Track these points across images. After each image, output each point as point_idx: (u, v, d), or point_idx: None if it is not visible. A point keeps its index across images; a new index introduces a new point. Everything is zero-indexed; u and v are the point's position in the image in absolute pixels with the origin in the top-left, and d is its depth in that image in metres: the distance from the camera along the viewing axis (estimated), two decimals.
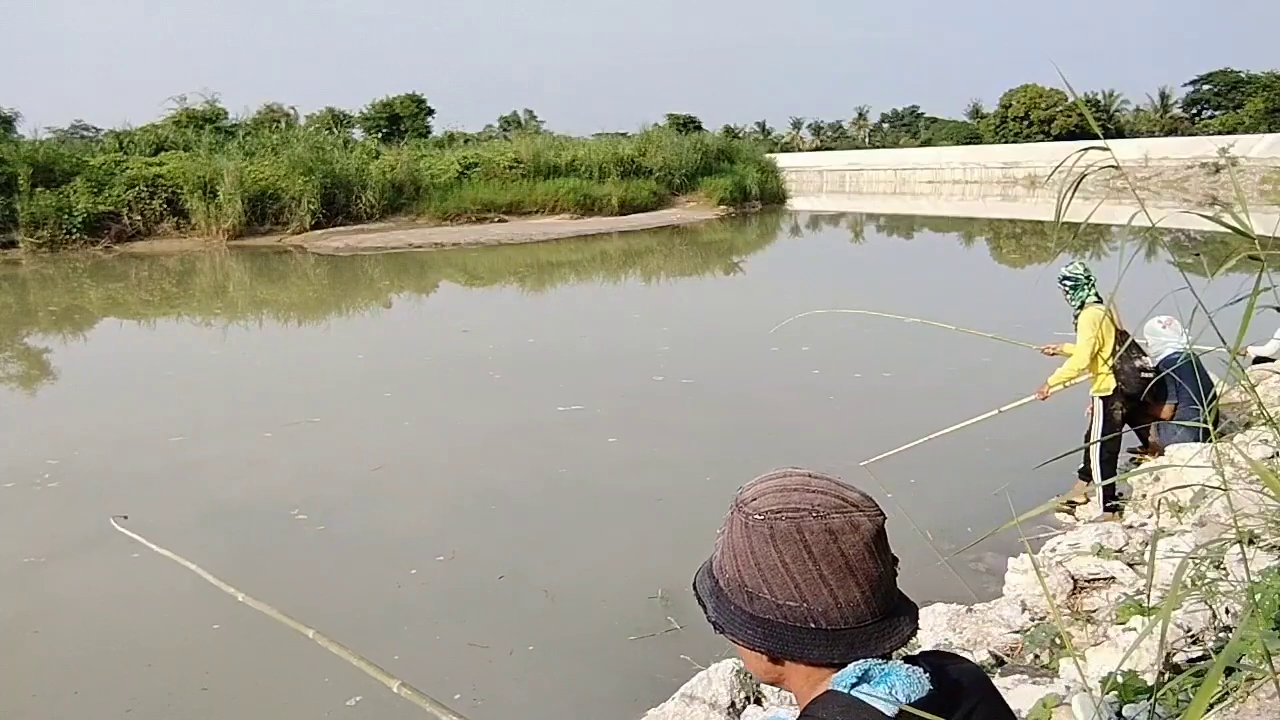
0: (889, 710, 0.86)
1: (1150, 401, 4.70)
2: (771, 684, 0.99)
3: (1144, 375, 4.39)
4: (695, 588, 1.01)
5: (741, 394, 7.33)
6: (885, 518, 0.93)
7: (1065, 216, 1.32)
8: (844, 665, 0.90)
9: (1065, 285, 4.46)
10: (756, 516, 0.92)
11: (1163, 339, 4.93)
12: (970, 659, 1.08)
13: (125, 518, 3.04)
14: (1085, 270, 4.41)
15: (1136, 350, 4.36)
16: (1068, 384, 4.46)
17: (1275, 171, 32.17)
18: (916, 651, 1.02)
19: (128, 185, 20.25)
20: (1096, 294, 4.39)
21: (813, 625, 0.90)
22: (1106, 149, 1.25)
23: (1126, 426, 4.72)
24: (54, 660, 3.59)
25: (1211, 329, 1.34)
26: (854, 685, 0.88)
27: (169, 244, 20.22)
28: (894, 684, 0.88)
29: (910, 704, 0.87)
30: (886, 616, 0.91)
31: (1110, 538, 3.55)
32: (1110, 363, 4.34)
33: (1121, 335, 4.37)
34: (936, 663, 0.96)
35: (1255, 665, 1.79)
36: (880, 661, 0.90)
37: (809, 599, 0.89)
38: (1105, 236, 19.06)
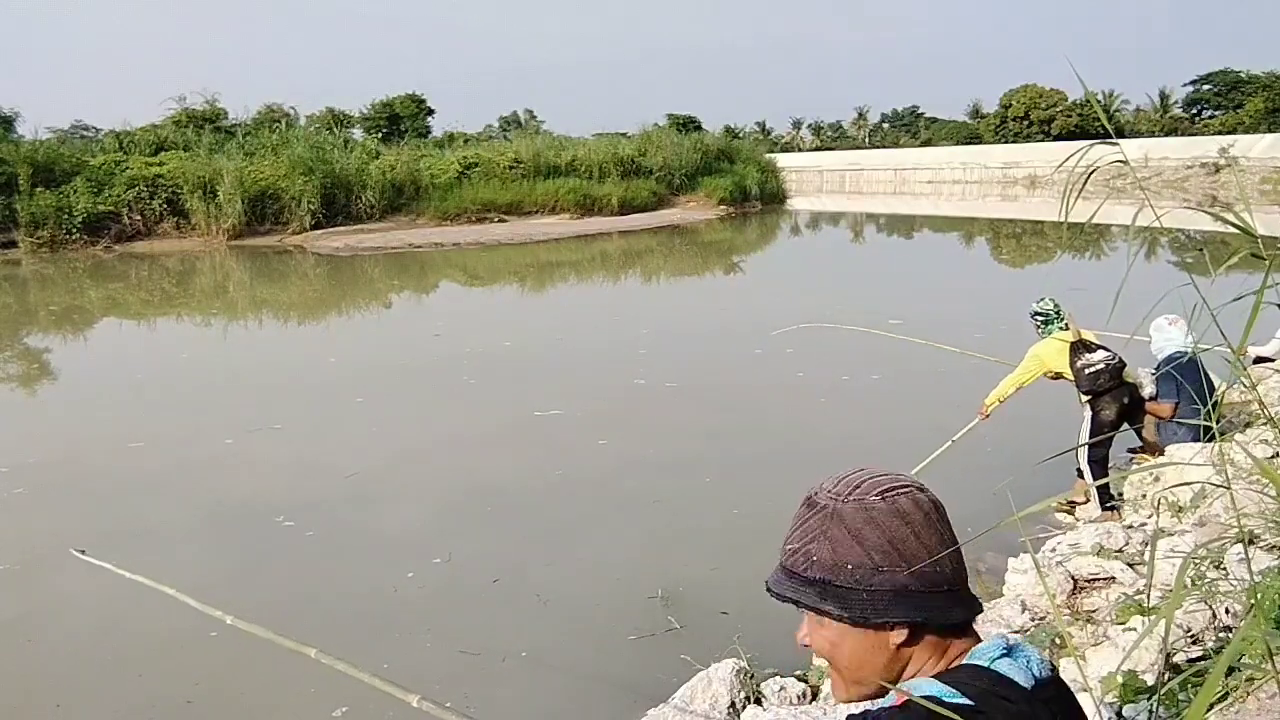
0: (1025, 683, 0.90)
1: (1149, 401, 4.71)
2: (887, 681, 0.98)
3: (1089, 371, 4.45)
4: (770, 588, 1.01)
5: (732, 396, 7.31)
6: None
7: (1068, 216, 1.32)
8: (947, 630, 0.94)
9: (1037, 320, 4.73)
10: (850, 503, 0.96)
11: (1167, 336, 4.91)
12: None
13: (83, 551, 3.05)
14: (1055, 305, 4.68)
15: (1082, 349, 4.45)
16: (1002, 400, 4.71)
17: (1275, 171, 32.18)
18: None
19: (128, 185, 20.27)
20: (1063, 325, 4.61)
21: (918, 588, 0.93)
22: (1116, 144, 1.25)
23: (1125, 425, 4.72)
24: (40, 672, 3.55)
25: (1214, 327, 1.33)
26: (997, 659, 0.91)
27: (169, 244, 20.23)
28: (1030, 659, 0.92)
29: (1039, 681, 0.91)
30: (965, 583, 0.96)
31: (1110, 538, 3.54)
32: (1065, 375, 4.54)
33: (1075, 346, 4.48)
34: None
35: (1256, 665, 1.79)
36: (1015, 636, 0.95)
37: (910, 563, 0.93)
38: (1105, 236, 19.06)
